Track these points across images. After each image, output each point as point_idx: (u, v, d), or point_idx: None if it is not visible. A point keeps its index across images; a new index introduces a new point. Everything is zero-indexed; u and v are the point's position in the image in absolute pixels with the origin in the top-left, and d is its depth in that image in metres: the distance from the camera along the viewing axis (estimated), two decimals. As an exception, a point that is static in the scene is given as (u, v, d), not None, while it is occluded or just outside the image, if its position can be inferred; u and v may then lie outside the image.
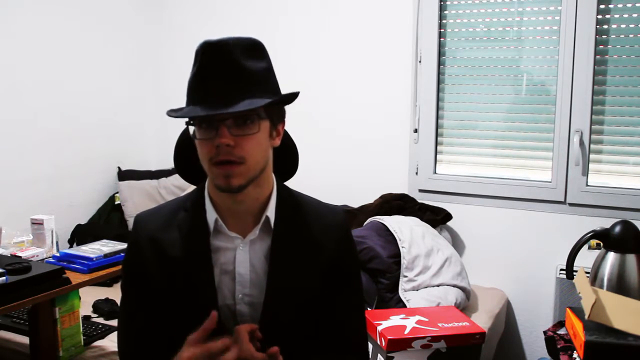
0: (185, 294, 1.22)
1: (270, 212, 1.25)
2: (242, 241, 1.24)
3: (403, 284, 2.43)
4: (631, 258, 1.71)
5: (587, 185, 2.70)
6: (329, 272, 1.28)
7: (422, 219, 2.78)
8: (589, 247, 2.51)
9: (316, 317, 1.27)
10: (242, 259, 1.23)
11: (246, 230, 1.24)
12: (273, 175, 1.28)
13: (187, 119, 1.17)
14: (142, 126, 3.53)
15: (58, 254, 2.21)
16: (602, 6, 2.60)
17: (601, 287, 1.71)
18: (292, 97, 1.20)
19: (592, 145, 2.69)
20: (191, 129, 1.19)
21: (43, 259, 2.22)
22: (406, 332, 1.88)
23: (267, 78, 1.18)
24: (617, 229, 1.74)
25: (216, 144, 1.12)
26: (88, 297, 2.54)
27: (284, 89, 1.23)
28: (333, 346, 1.29)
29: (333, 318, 1.29)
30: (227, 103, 1.11)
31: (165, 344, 1.25)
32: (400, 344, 1.84)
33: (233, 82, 1.12)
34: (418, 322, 1.96)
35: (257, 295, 1.23)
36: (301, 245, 1.26)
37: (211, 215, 1.24)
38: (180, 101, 1.21)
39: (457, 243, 2.94)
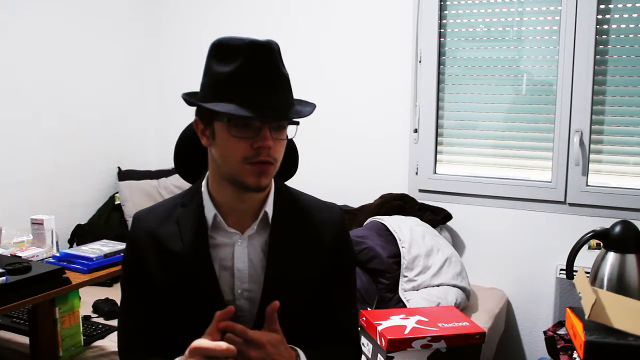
0: (188, 289, 1.23)
1: (269, 207, 1.26)
2: (240, 237, 1.25)
3: (403, 284, 2.43)
4: (631, 258, 1.71)
5: (587, 185, 2.70)
6: (326, 267, 1.29)
7: (422, 219, 2.78)
8: (589, 247, 2.51)
9: (313, 312, 1.29)
10: (240, 254, 1.24)
11: (244, 226, 1.25)
12: None
13: (227, 115, 1.13)
14: (142, 126, 3.53)
15: (58, 254, 2.21)
16: (602, 6, 2.60)
17: (601, 287, 1.71)
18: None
19: (592, 145, 2.69)
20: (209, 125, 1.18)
21: (43, 259, 2.22)
22: (406, 332, 1.89)
23: (291, 84, 1.22)
24: (617, 229, 1.74)
25: (257, 145, 1.14)
26: (88, 297, 2.54)
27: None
28: (327, 339, 1.31)
29: (327, 312, 1.31)
30: (279, 108, 1.14)
31: (165, 342, 1.26)
32: (400, 344, 1.84)
33: (279, 87, 1.15)
34: (418, 322, 1.96)
35: (256, 291, 1.24)
36: (298, 240, 1.27)
37: (210, 211, 1.25)
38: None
39: (457, 243, 2.94)
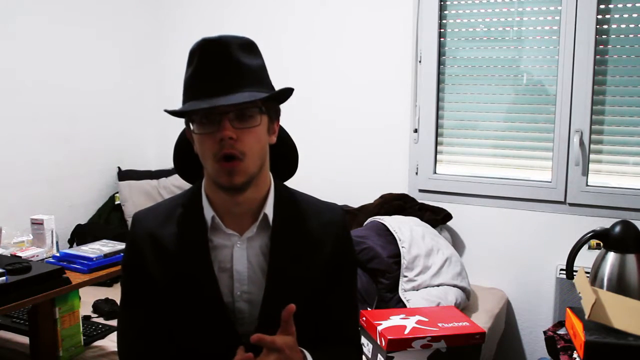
0: (187, 290, 1.22)
1: (269, 209, 1.26)
2: (239, 238, 1.24)
3: (403, 284, 2.43)
4: (631, 258, 1.71)
5: (587, 185, 2.70)
6: (327, 267, 1.29)
7: (422, 219, 2.78)
8: (589, 247, 2.51)
9: (314, 313, 1.28)
10: (239, 256, 1.24)
11: (243, 228, 1.25)
12: (270, 174, 1.29)
13: (186, 116, 1.18)
14: (142, 126, 3.53)
15: (58, 254, 2.21)
16: (602, 6, 2.60)
17: (601, 287, 1.71)
18: (289, 93, 1.22)
19: (592, 145, 2.69)
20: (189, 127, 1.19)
21: (43, 259, 2.22)
22: (406, 332, 1.89)
23: (263, 75, 1.20)
24: (617, 229, 1.74)
25: (219, 138, 1.13)
26: (88, 297, 2.54)
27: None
28: (328, 339, 1.31)
29: (328, 312, 1.31)
30: (230, 96, 1.12)
31: (165, 342, 1.26)
32: (400, 344, 1.85)
33: (233, 77, 1.14)
34: (418, 322, 1.96)
35: (256, 293, 1.24)
36: (300, 242, 1.27)
37: (208, 212, 1.24)
38: (181, 101, 1.21)
39: (457, 243, 2.94)
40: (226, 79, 1.14)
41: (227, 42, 1.15)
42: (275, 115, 1.24)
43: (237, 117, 1.14)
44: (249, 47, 1.18)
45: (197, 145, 1.19)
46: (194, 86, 1.16)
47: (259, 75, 1.19)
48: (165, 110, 1.18)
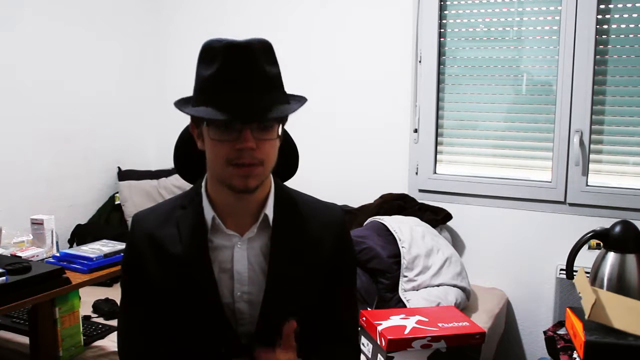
0: (186, 291, 1.22)
1: (269, 210, 1.25)
2: (239, 239, 1.24)
3: (403, 284, 2.43)
4: (631, 258, 1.71)
5: (587, 185, 2.70)
6: (327, 267, 1.29)
7: (422, 219, 2.78)
8: (589, 247, 2.50)
9: (314, 313, 1.29)
10: (240, 257, 1.24)
11: (244, 229, 1.24)
12: (271, 175, 1.29)
13: (203, 119, 1.15)
14: (142, 126, 3.53)
15: (58, 254, 2.21)
16: (602, 6, 2.60)
17: (601, 287, 1.71)
18: (305, 100, 1.23)
19: (592, 145, 2.69)
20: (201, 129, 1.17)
21: (43, 259, 2.22)
22: (406, 332, 1.89)
23: (280, 82, 1.20)
24: (617, 229, 1.74)
25: (238, 147, 1.12)
26: (88, 297, 2.54)
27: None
28: (326, 339, 1.32)
29: (328, 312, 1.31)
30: (257, 108, 1.12)
31: (165, 343, 1.26)
32: (400, 344, 1.85)
33: (259, 87, 1.13)
34: (418, 322, 1.96)
35: (256, 293, 1.24)
36: (300, 243, 1.27)
37: (208, 213, 1.24)
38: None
39: (457, 243, 2.94)
40: (253, 88, 1.13)
41: (253, 48, 1.13)
42: (285, 120, 1.23)
43: (258, 128, 1.14)
44: (269, 52, 1.17)
45: (210, 148, 1.17)
46: (215, 90, 1.13)
47: (279, 82, 1.19)
48: (184, 111, 1.16)
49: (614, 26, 2.62)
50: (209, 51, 1.15)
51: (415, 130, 2.99)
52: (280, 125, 1.19)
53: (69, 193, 3.10)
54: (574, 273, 1.78)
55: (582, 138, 2.67)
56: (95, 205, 3.26)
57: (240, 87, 1.12)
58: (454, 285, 2.50)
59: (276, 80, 1.17)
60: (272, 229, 1.25)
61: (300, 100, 1.21)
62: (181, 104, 1.20)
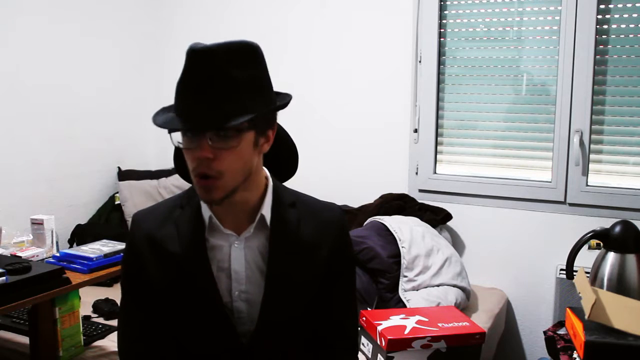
0: (185, 291, 1.23)
1: (266, 210, 1.25)
2: (237, 238, 1.24)
3: (403, 284, 2.43)
4: (631, 258, 1.71)
5: (587, 185, 2.70)
6: (326, 267, 1.29)
7: (422, 219, 2.78)
8: (589, 247, 2.50)
9: (313, 313, 1.29)
10: (237, 256, 1.24)
11: (241, 228, 1.25)
12: (267, 174, 1.28)
13: (162, 128, 1.14)
14: (142, 126, 3.53)
15: (58, 254, 2.21)
16: (602, 6, 2.60)
17: (601, 287, 1.71)
18: (283, 105, 1.18)
19: (592, 145, 2.69)
20: (176, 136, 1.15)
21: (43, 259, 2.22)
22: (406, 332, 1.89)
23: (254, 86, 1.12)
24: (617, 229, 1.74)
25: (197, 156, 1.10)
26: (88, 297, 2.54)
27: (283, 90, 1.23)
28: (325, 339, 1.32)
29: (327, 312, 1.31)
30: (209, 116, 1.07)
31: (165, 343, 1.26)
32: (400, 344, 1.85)
33: (217, 93, 1.08)
34: (418, 322, 1.96)
35: (254, 292, 1.24)
36: (298, 242, 1.27)
37: (206, 212, 1.24)
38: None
39: (457, 243, 2.94)
40: (208, 94, 1.07)
41: (213, 52, 1.08)
42: (267, 125, 1.18)
43: (217, 135, 1.09)
44: (243, 55, 1.11)
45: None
46: (177, 97, 1.13)
47: (250, 87, 1.11)
48: (152, 117, 1.16)
49: (614, 26, 2.62)
50: (185, 56, 1.12)
51: (415, 130, 2.99)
52: (253, 132, 1.14)
53: (69, 193, 3.10)
54: (574, 273, 1.78)
55: (582, 138, 2.67)
56: (95, 205, 3.25)
57: (194, 92, 1.09)
58: (454, 285, 2.50)
59: (245, 85, 1.10)
60: (270, 228, 1.25)
61: (269, 104, 1.14)
62: (164, 110, 1.19)
